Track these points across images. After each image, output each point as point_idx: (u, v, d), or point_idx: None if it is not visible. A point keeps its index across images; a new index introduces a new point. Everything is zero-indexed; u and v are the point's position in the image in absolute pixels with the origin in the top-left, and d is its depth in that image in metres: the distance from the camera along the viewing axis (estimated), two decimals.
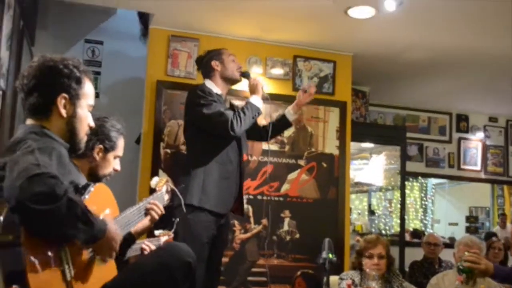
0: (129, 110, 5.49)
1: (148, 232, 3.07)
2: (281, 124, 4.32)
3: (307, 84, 4.38)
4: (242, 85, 4.43)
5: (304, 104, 4.31)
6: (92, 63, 5.89)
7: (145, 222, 2.74)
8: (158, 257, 2.33)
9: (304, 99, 4.25)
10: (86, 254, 2.07)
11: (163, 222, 3.06)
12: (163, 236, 3.11)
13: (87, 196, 2.10)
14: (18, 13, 4.37)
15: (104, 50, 5.99)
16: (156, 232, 3.12)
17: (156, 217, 2.77)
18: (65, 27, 5.84)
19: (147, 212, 2.74)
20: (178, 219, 3.31)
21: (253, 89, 4.11)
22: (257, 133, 4.28)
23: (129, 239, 2.65)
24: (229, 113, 3.84)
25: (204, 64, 4.16)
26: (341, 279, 3.83)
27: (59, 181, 1.81)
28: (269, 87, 5.25)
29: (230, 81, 4.13)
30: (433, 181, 9.01)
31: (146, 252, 2.75)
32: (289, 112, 4.26)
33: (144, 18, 5.50)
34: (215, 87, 4.06)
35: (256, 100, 4.04)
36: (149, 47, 5.03)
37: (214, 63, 4.08)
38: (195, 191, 3.77)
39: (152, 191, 2.95)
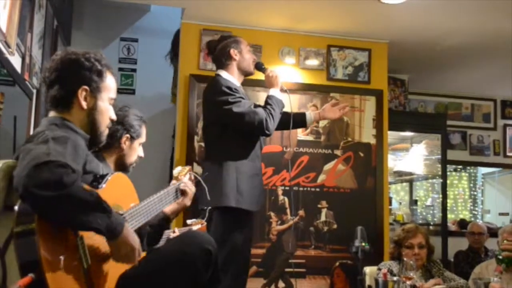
0: (165, 105, 5.57)
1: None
2: (298, 121, 4.09)
3: (342, 104, 4.17)
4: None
5: (327, 118, 4.16)
6: (127, 60, 5.99)
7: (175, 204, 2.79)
8: (178, 245, 2.32)
9: (330, 114, 4.10)
10: (103, 241, 2.04)
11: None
12: (195, 225, 3.09)
13: (104, 185, 2.11)
14: (51, 13, 4.46)
15: (139, 47, 6.06)
16: (188, 221, 3.11)
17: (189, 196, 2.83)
18: (100, 26, 5.97)
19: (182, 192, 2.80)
20: (210, 207, 3.30)
21: (271, 82, 3.92)
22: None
23: (162, 222, 2.73)
24: (262, 112, 3.68)
25: (221, 50, 3.90)
26: (379, 269, 3.80)
27: (69, 169, 1.81)
28: (303, 78, 5.22)
29: (244, 73, 3.93)
30: (482, 170, 8.76)
31: None
32: (310, 116, 4.04)
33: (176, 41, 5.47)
34: (234, 79, 3.85)
35: (278, 94, 3.89)
36: (181, 42, 5.04)
37: (233, 52, 3.85)
38: (231, 192, 3.63)
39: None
